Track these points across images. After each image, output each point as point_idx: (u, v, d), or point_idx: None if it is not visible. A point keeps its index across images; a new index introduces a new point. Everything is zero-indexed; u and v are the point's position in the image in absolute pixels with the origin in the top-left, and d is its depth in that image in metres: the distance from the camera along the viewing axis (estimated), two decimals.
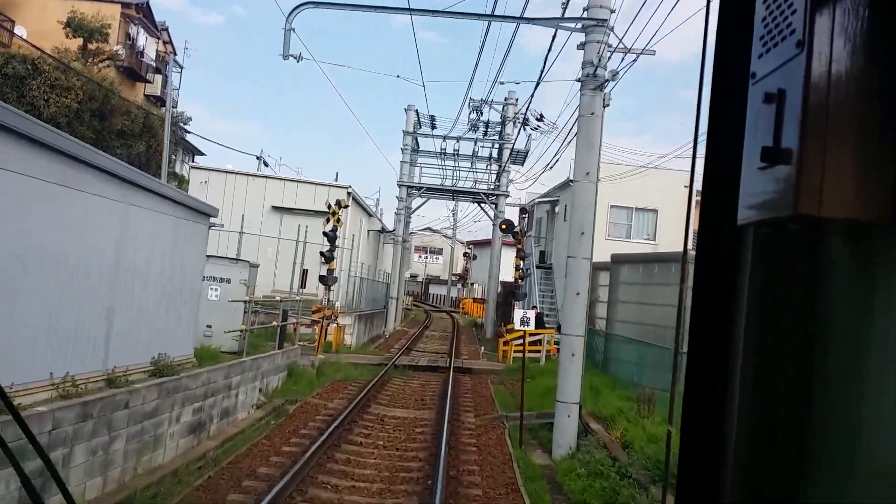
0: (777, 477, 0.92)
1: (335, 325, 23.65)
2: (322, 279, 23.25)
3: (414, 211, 42.37)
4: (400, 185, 37.71)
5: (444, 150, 38.56)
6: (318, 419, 12.99)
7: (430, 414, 14.73)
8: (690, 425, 1.01)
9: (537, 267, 31.77)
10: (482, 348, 29.65)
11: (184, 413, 10.16)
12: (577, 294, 12.96)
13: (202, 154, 42.94)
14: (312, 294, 27.59)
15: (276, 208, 28.72)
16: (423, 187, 38.27)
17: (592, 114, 12.37)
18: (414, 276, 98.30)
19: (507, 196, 38.17)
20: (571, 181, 24.74)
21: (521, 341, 22.88)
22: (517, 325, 14.36)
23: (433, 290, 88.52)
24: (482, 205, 41.75)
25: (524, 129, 39.00)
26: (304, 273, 25.12)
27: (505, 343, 24.95)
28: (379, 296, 37.17)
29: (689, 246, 1.30)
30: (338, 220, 23.45)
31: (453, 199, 41.83)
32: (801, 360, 0.92)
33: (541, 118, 36.80)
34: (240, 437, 11.48)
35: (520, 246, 26.53)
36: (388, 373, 19.51)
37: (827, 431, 0.90)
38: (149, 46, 37.43)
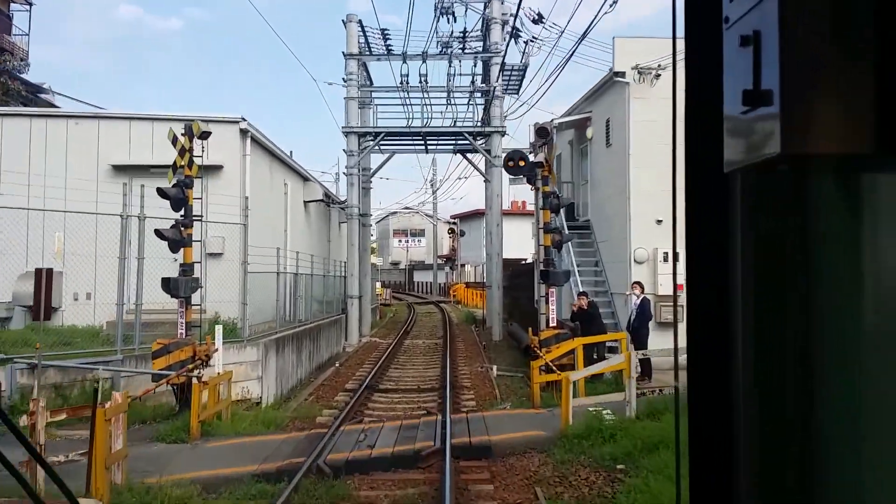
0: (785, 426, 0.91)
1: (217, 371, 11.94)
2: (169, 285, 11.55)
3: (374, 172, 30.51)
4: (347, 133, 25.87)
5: (407, 78, 26.68)
6: None
7: None
8: (695, 382, 1.00)
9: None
10: (493, 369, 18.00)
11: None
12: None
13: None
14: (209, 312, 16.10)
15: (119, 168, 16.77)
16: (380, 133, 26.39)
17: None
18: (395, 264, 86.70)
19: (503, 133, 26.43)
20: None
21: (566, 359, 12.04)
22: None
23: (418, 277, 76.86)
24: (467, 154, 29.98)
25: (515, 41, 27.30)
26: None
27: (542, 369, 13.28)
28: (335, 297, 25.43)
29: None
30: (189, 164, 11.73)
31: (426, 150, 29.99)
32: (801, 299, 0.91)
33: (539, 19, 25.12)
34: None
35: (545, 189, 14.86)
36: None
37: (832, 367, 0.89)
38: None
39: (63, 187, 15.07)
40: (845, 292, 0.88)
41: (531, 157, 16.72)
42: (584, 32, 15.33)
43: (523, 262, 35.58)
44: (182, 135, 11.92)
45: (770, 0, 0.83)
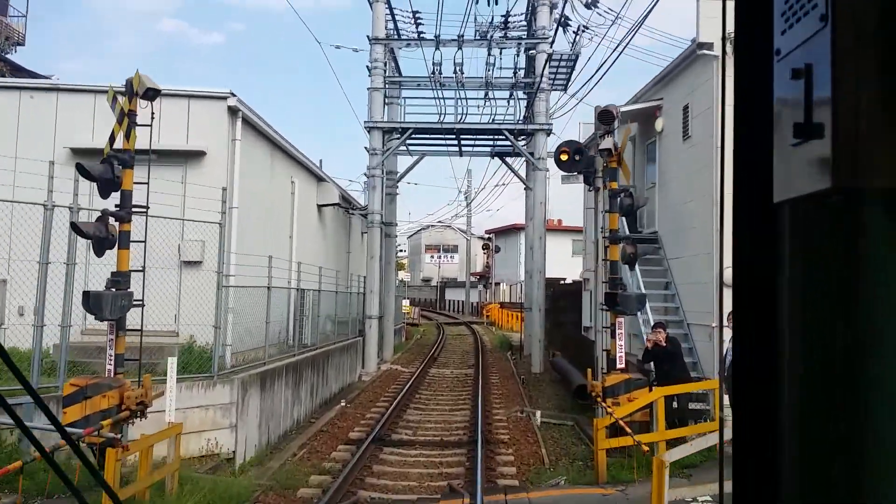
0: (833, 457, 0.90)
1: (168, 421, 8.51)
2: (89, 302, 8.17)
3: (401, 176, 27.12)
4: (370, 129, 22.55)
5: (439, 67, 23.29)
6: None
7: None
8: (741, 412, 1.00)
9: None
10: (536, 415, 14.36)
11: None
12: None
13: None
14: (166, 332, 13.09)
15: (81, 152, 13.58)
16: (408, 129, 23.00)
17: None
18: (427, 281, 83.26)
19: (549, 132, 22.86)
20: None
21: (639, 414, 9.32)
22: None
23: (450, 294, 73.15)
24: (506, 159, 26.47)
25: (564, 31, 23.82)
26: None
27: (611, 431, 9.57)
28: (351, 317, 22.05)
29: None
30: (127, 133, 8.41)
31: (460, 152, 26.51)
32: (850, 335, 0.90)
33: (593, 2, 21.66)
34: None
35: (613, 186, 11.30)
36: None
37: (880, 404, 0.89)
38: None
39: (13, 171, 11.99)
40: (893, 325, 0.88)
41: (590, 152, 13.16)
42: (648, 11, 11.75)
43: (562, 281, 31.92)
44: (122, 95, 8.64)
45: (822, 34, 0.84)
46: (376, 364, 22.22)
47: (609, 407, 10.12)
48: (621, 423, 9.12)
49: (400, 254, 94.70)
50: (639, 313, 13.07)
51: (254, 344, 14.10)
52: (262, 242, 14.89)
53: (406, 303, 46.82)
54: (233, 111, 13.69)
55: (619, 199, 10.92)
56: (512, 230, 52.84)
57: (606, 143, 11.15)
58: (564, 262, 39.86)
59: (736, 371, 1.00)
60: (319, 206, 21.37)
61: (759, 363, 0.98)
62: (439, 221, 72.72)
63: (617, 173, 11.26)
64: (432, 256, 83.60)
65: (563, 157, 12.81)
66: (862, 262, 0.90)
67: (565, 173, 15.25)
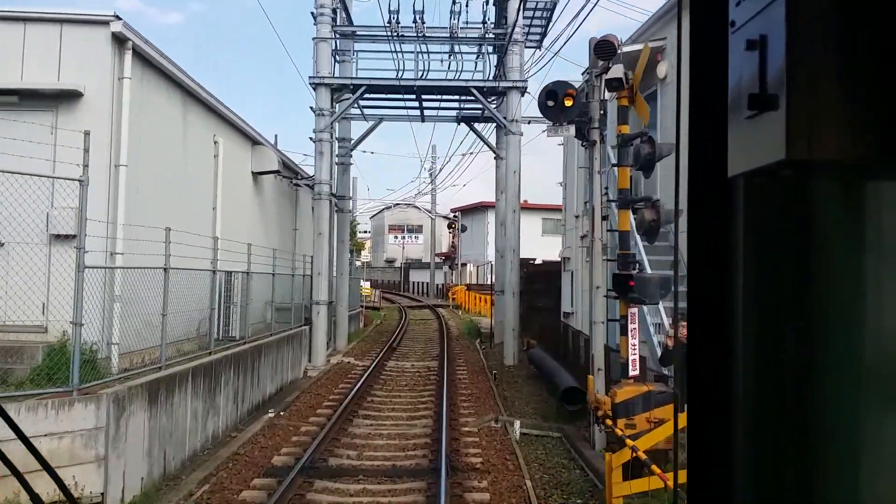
0: (784, 430, 0.92)
1: None
2: None
3: (356, 144, 23.98)
4: (316, 85, 19.37)
5: (397, 16, 20.14)
6: None
7: None
8: (694, 385, 0.99)
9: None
10: (515, 425, 11.57)
11: None
12: None
13: None
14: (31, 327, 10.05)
15: None
16: (360, 86, 19.84)
17: None
18: (390, 262, 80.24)
19: (524, 91, 19.94)
20: None
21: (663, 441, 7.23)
22: None
23: (414, 276, 70.14)
24: (474, 125, 23.49)
25: None
26: None
27: (626, 468, 6.77)
28: (295, 304, 19.00)
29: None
30: None
31: (422, 117, 23.43)
32: (802, 306, 0.91)
33: None
34: None
35: (624, 130, 8.43)
36: None
37: (832, 376, 0.89)
38: None
39: None
40: (846, 299, 0.89)
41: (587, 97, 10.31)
42: None
43: (533, 261, 29.18)
44: None
45: (777, 4, 0.84)
46: (325, 357, 19.23)
47: (620, 430, 7.32)
48: (656, 469, 6.26)
49: (364, 235, 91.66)
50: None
51: (157, 341, 11.02)
52: (170, 213, 11.74)
53: (366, 285, 43.80)
54: (119, 41, 10.49)
55: (632, 148, 8.05)
56: (479, 208, 49.95)
57: (615, 71, 8.25)
58: (535, 242, 37.20)
59: (690, 350, 0.99)
60: (256, 174, 18.19)
61: (712, 337, 0.97)
62: (403, 201, 69.58)
63: (628, 114, 8.40)
64: (396, 237, 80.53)
65: (550, 105, 10.00)
66: (814, 236, 0.90)
67: (551, 126, 12.44)
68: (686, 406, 0.98)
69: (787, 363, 0.91)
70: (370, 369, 17.72)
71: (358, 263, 63.23)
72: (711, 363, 0.97)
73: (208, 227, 14.43)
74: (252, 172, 18.00)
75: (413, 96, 20.47)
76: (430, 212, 58.73)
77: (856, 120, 0.82)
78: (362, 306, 33.45)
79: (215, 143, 15.05)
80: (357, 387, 14.92)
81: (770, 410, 0.92)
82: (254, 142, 18.10)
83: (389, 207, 74.54)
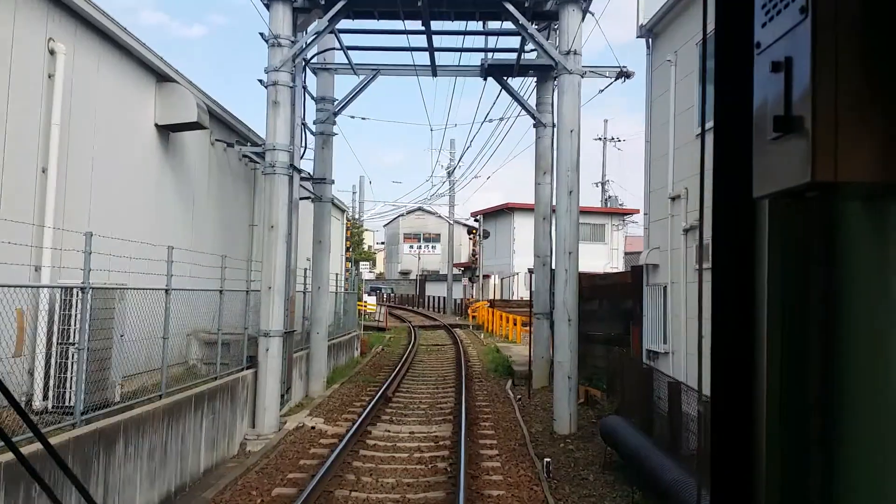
0: (807, 446, 0.90)
1: None
2: None
3: (342, 105, 17.07)
4: (269, 1, 12.59)
5: None
6: None
7: None
8: (719, 405, 0.97)
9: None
10: None
11: None
12: None
13: None
14: None
15: None
16: (336, 1, 13.00)
17: None
18: (405, 273, 73.39)
19: (586, 7, 12.98)
20: None
21: None
22: None
23: (431, 290, 62.81)
24: (505, 80, 16.47)
25: None
26: None
27: None
28: (236, 338, 12.20)
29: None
30: None
31: (433, 69, 16.42)
32: (827, 327, 0.89)
33: None
34: None
35: None
36: None
37: (855, 398, 0.87)
38: None
39: None
40: (870, 319, 0.86)
41: None
42: None
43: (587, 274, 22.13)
44: None
45: (802, 27, 0.82)
46: (277, 419, 12.34)
47: None
48: None
49: (379, 245, 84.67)
50: None
51: None
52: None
53: (371, 300, 36.97)
54: None
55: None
56: (503, 211, 42.90)
57: None
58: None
59: (714, 364, 0.96)
60: (162, 128, 11.39)
61: (736, 355, 0.94)
62: (418, 207, 62.73)
63: None
64: (411, 246, 73.82)
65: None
66: (840, 257, 0.88)
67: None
68: (710, 426, 0.95)
69: (812, 388, 0.89)
70: (345, 442, 10.84)
71: (370, 275, 56.46)
72: (735, 386, 0.95)
73: (27, 204, 7.69)
74: (156, 125, 11.21)
75: (419, 21, 13.59)
76: (447, 218, 51.85)
77: (881, 142, 0.80)
78: (359, 332, 26.56)
79: (51, 52, 8.27)
80: (311, 488, 7.99)
81: (794, 444, 0.90)
82: (159, 76, 11.30)
83: (405, 215, 67.69)
